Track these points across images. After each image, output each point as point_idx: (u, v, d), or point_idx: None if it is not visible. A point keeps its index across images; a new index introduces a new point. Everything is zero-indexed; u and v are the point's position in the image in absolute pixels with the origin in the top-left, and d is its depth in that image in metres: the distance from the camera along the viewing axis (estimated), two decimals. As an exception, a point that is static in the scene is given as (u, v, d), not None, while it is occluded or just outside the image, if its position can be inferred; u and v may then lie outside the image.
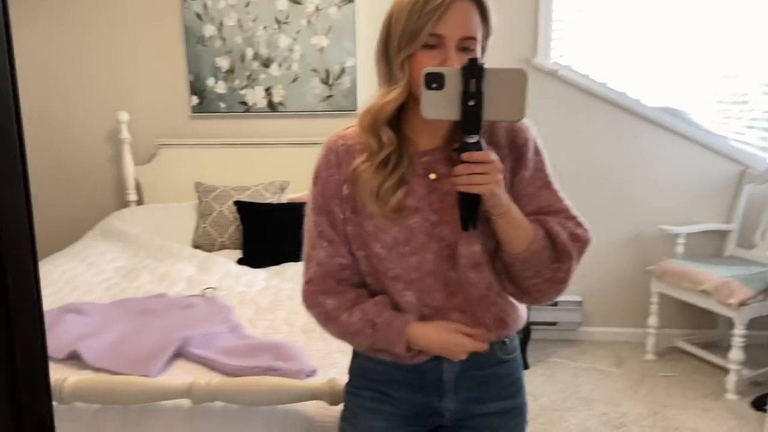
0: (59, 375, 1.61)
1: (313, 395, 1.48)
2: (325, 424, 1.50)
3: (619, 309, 3.44)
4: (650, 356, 3.24)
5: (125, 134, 3.40)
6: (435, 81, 0.98)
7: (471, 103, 0.98)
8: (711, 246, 3.34)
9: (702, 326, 3.39)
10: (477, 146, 1.00)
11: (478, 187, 1.00)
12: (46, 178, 3.59)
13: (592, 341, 3.47)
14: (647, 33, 3.24)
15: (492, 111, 0.99)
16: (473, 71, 0.97)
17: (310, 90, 3.42)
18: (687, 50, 3.23)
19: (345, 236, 1.17)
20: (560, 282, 1.12)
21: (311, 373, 1.67)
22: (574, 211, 1.15)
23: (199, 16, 3.38)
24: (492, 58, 1.10)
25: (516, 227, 1.08)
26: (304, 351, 1.77)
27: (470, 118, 0.99)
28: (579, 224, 1.14)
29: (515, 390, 1.23)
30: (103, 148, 3.56)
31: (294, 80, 3.42)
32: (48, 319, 1.99)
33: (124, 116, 3.37)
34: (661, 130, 3.27)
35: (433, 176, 1.12)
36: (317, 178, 1.18)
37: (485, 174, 1.00)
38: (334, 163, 1.17)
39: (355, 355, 1.27)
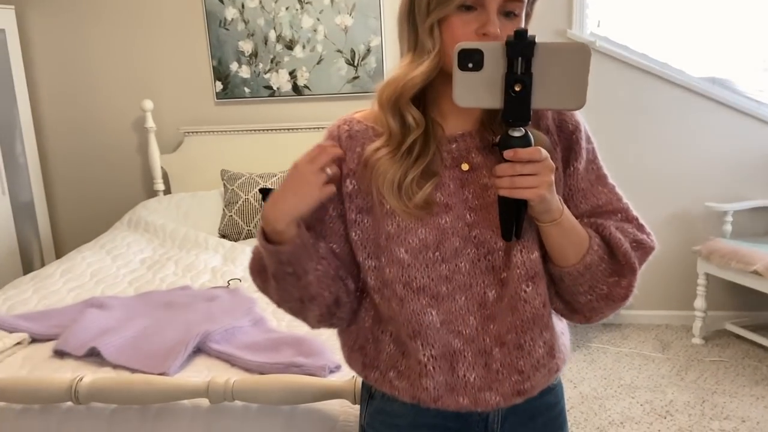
0: (77, 373, 1.58)
1: (337, 393, 1.41)
2: (349, 424, 1.43)
3: (663, 291, 3.28)
4: (697, 340, 3.08)
5: (150, 123, 3.36)
6: (471, 59, 0.79)
7: (517, 88, 0.78)
8: (761, 223, 3.15)
9: (752, 308, 3.21)
10: (523, 141, 0.81)
11: (524, 191, 0.82)
12: (74, 171, 3.60)
13: (636, 325, 3.32)
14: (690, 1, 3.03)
15: (543, 98, 0.79)
16: (521, 47, 0.77)
17: (335, 72, 3.33)
18: (732, 15, 3.02)
19: (335, 239, 0.98)
20: (619, 299, 0.94)
21: (335, 369, 1.60)
22: (634, 211, 0.97)
23: (220, 0, 3.30)
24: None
25: (568, 236, 0.90)
26: (328, 345, 1.69)
27: (516, 107, 0.79)
28: (641, 227, 0.96)
29: (562, 421, 1.05)
30: (129, 137, 3.55)
31: (318, 62, 3.33)
32: (69, 315, 1.97)
33: (148, 105, 3.34)
34: (706, 101, 3.08)
35: (465, 167, 0.94)
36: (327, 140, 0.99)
37: (534, 175, 0.81)
38: (338, 153, 0.98)
39: (370, 395, 1.06)
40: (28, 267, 3.35)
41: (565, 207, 0.89)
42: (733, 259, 2.81)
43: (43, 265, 3.35)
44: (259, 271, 0.98)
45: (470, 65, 0.79)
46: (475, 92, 0.81)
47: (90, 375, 1.50)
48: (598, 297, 0.94)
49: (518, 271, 0.91)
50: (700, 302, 3.05)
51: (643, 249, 0.94)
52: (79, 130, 3.56)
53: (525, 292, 0.91)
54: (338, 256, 0.98)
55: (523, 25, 0.89)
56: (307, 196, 0.88)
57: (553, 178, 0.83)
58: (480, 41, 0.84)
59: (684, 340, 3.13)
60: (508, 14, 0.86)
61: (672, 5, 3.06)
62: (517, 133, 0.82)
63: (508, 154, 0.81)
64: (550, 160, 0.83)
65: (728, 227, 3.05)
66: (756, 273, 2.70)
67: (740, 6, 3.00)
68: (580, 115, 0.98)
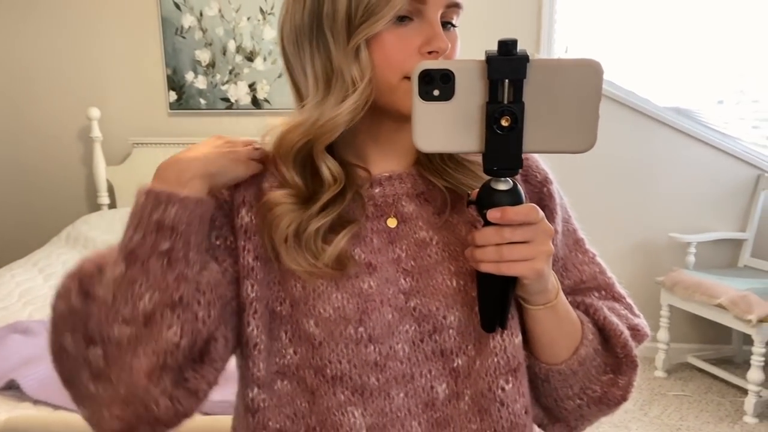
0: (-8, 409, 1.39)
1: None
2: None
3: (625, 322, 3.22)
4: (660, 373, 3.02)
5: (96, 132, 3.16)
6: (436, 85, 0.57)
7: (504, 122, 0.57)
8: (724, 256, 3.14)
9: (714, 341, 3.17)
10: (512, 197, 0.61)
11: (516, 266, 0.61)
12: (10, 179, 3.36)
13: (597, 356, 3.25)
14: (657, 27, 3.04)
15: (539, 136, 0.58)
16: (508, 65, 0.56)
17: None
18: (698, 46, 3.03)
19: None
20: (615, 403, 0.75)
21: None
22: (619, 287, 0.81)
23: (177, 6, 3.15)
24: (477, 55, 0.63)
25: (562, 323, 0.70)
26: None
27: (502, 151, 0.58)
28: (631, 308, 0.79)
29: None
30: (72, 147, 3.32)
31: (280, 75, 3.19)
32: (-12, 342, 1.76)
33: (95, 113, 3.14)
34: (671, 131, 3.06)
35: (392, 223, 0.72)
36: None
37: (528, 243, 0.61)
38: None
39: None
40: (-47, 283, 3.08)
41: (559, 285, 0.70)
42: (697, 291, 2.77)
43: (-30, 281, 3.08)
44: (85, 275, 0.63)
45: (436, 93, 0.57)
46: (444, 131, 0.59)
47: (4, 413, 1.31)
48: (589, 401, 0.74)
49: (495, 359, 0.67)
50: (663, 334, 3.00)
51: (638, 337, 0.77)
52: (17, 138, 3.32)
53: (502, 390, 0.67)
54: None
55: (458, 40, 0.70)
56: (232, 162, 0.67)
57: (551, 245, 0.63)
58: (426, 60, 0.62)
59: (647, 372, 3.06)
60: (445, 25, 0.67)
61: (639, 34, 3.06)
62: (503, 186, 0.61)
63: (493, 215, 0.60)
64: (547, 222, 0.63)
65: (691, 258, 3.02)
66: (720, 306, 2.66)
67: (706, 37, 3.01)
68: (544, 162, 0.79)
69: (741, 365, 3.01)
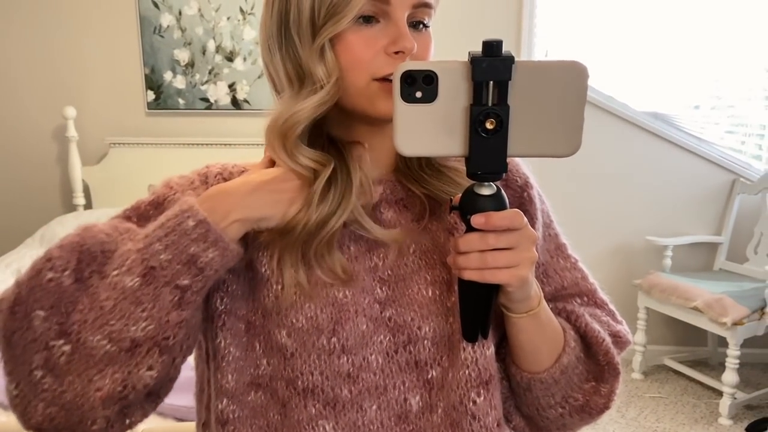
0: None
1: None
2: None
3: (603, 324, 3.25)
4: (637, 375, 3.05)
5: (72, 132, 3.10)
6: (419, 87, 0.56)
7: (489, 125, 0.55)
8: (699, 259, 3.18)
9: (690, 343, 3.22)
10: (496, 202, 0.59)
11: (500, 273, 0.59)
12: (-17, 178, 3.28)
13: (575, 358, 3.28)
14: (636, 32, 3.07)
15: (525, 140, 0.57)
16: (493, 66, 0.54)
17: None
18: (675, 51, 3.06)
19: None
20: (597, 411, 0.73)
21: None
22: (601, 293, 0.79)
23: (155, 4, 3.10)
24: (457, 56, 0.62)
25: (544, 331, 0.68)
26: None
27: (486, 155, 0.57)
28: (613, 314, 0.78)
29: None
30: (47, 146, 3.26)
31: (260, 76, 3.16)
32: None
33: (71, 112, 3.08)
34: (649, 135, 3.10)
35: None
36: (163, 187, 0.71)
37: (511, 250, 0.59)
38: (198, 185, 0.71)
39: None
40: None
41: (541, 292, 0.68)
42: (673, 294, 2.81)
43: (-60, 283, 3.00)
44: (86, 254, 0.59)
45: (418, 95, 0.56)
46: (427, 134, 0.57)
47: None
48: (572, 410, 0.72)
49: (466, 371, 0.65)
50: (640, 336, 3.03)
51: (620, 344, 0.75)
52: (-9, 136, 3.25)
53: (474, 403, 0.65)
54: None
55: (432, 42, 0.69)
56: (279, 210, 0.64)
57: (536, 252, 0.62)
58: (392, 69, 0.58)
59: (624, 374, 3.05)
60: (416, 25, 0.67)
61: (618, 38, 3.08)
62: (486, 191, 0.59)
63: (478, 220, 0.58)
64: (531, 228, 0.62)
65: (668, 261, 3.05)
66: (696, 309, 2.70)
67: (682, 43, 3.05)
68: (525, 166, 0.78)
69: (716, 367, 3.05)
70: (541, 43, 3.11)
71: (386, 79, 0.64)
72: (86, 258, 0.59)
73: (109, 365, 0.57)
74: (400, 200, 0.73)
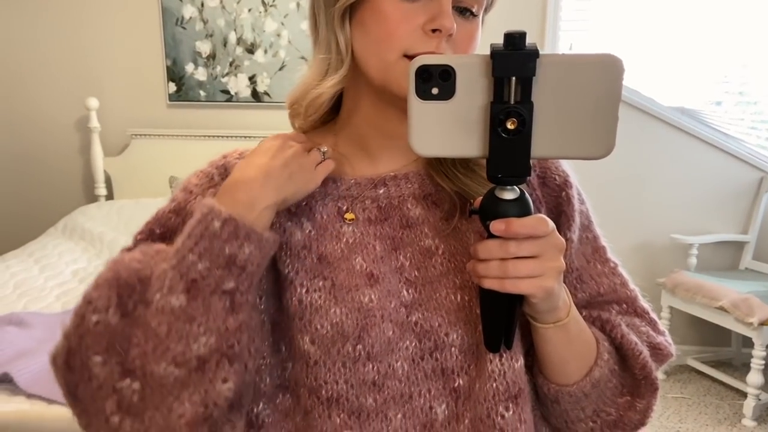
0: (-15, 403, 1.36)
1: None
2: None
3: (625, 323, 3.21)
4: (659, 374, 2.99)
5: (95, 123, 3.12)
6: (435, 82, 0.52)
7: (510, 125, 0.51)
8: (725, 258, 3.12)
9: (714, 344, 3.16)
10: (519, 207, 0.55)
11: (522, 283, 0.55)
12: (7, 169, 3.32)
13: (596, 357, 3.24)
14: (663, 26, 3.01)
15: (550, 141, 0.52)
16: (516, 61, 0.50)
17: (298, 79, 3.15)
18: (704, 46, 3.00)
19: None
20: (632, 426, 0.69)
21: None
22: (643, 300, 0.74)
23: (178, -4, 3.11)
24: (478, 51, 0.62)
25: (574, 343, 0.64)
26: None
27: (508, 157, 0.52)
28: (654, 324, 0.73)
29: None
30: (70, 137, 3.28)
31: (281, 68, 3.16)
32: (-19, 333, 1.73)
33: (93, 103, 3.10)
34: (675, 131, 3.04)
35: (349, 217, 0.68)
36: (182, 192, 0.70)
37: (535, 259, 0.55)
38: (218, 181, 0.69)
39: None
40: (-53, 273, 3.05)
41: (572, 302, 0.64)
42: (698, 293, 2.75)
43: (-36, 271, 3.04)
44: (124, 288, 0.57)
45: (434, 91, 0.52)
46: (444, 133, 0.53)
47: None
48: (603, 425, 0.69)
49: (493, 384, 0.62)
50: (662, 336, 2.97)
51: (660, 357, 0.71)
52: (14, 127, 3.28)
53: (502, 417, 0.62)
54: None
55: (480, 33, 0.65)
56: (303, 182, 0.62)
57: (563, 261, 0.57)
58: (430, 53, 0.57)
59: (645, 374, 3.05)
60: (463, 12, 0.63)
61: (644, 32, 3.03)
62: (509, 195, 0.55)
63: (497, 227, 0.54)
64: (558, 235, 0.57)
65: (693, 260, 3.00)
66: (721, 309, 2.64)
67: (707, 37, 2.99)
68: (565, 164, 0.74)
69: (740, 368, 3.00)
70: (565, 36, 3.06)
71: None
72: (125, 291, 0.57)
73: (183, 389, 0.54)
74: (428, 195, 0.69)
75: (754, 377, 2.58)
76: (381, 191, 0.69)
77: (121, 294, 0.57)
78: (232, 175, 0.61)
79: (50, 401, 1.42)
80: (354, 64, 0.65)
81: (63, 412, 1.28)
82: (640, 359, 0.67)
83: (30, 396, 1.45)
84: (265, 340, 0.65)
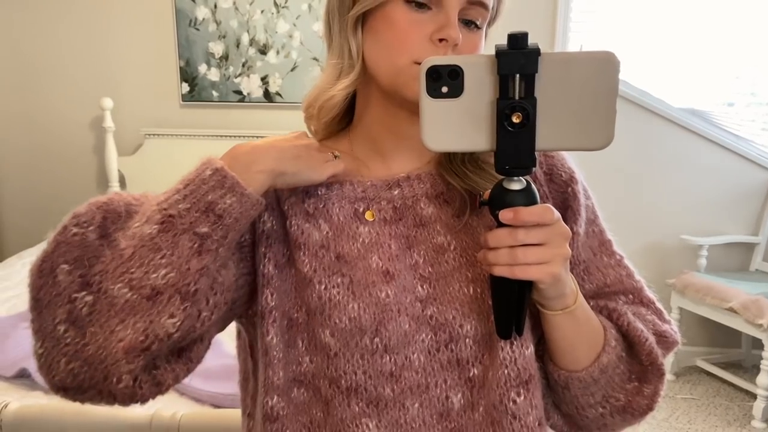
0: (4, 397, 1.39)
1: None
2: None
3: (634, 323, 3.20)
4: (669, 376, 3.00)
5: (109, 123, 3.16)
6: (444, 81, 0.56)
7: (515, 119, 0.55)
8: (736, 259, 3.12)
9: (723, 345, 3.15)
10: (526, 197, 0.59)
11: (530, 269, 0.59)
12: (23, 167, 3.36)
13: (605, 357, 3.24)
14: (673, 28, 3.01)
15: (553, 133, 0.56)
16: (519, 60, 0.54)
17: (310, 80, 3.18)
18: (713, 47, 3.00)
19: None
20: (641, 412, 0.72)
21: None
22: (648, 291, 0.77)
23: (191, -2, 3.14)
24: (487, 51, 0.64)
25: (582, 329, 0.67)
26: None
27: (514, 149, 0.56)
28: (660, 313, 0.75)
29: None
30: (84, 137, 3.32)
31: (293, 69, 3.18)
32: (0, 330, 1.77)
33: (108, 103, 3.14)
34: (685, 132, 3.04)
35: (369, 216, 0.71)
36: None
37: (543, 246, 0.58)
38: None
39: None
40: (-36, 270, 3.10)
41: (579, 290, 0.67)
42: (708, 294, 2.75)
43: (-19, 268, 3.09)
44: (111, 212, 0.59)
45: (444, 89, 0.56)
46: (453, 129, 0.57)
47: (16, 402, 1.32)
48: (612, 410, 0.71)
49: (505, 371, 0.65)
50: (672, 337, 2.98)
51: (666, 344, 0.73)
52: (30, 127, 3.33)
53: (513, 402, 0.65)
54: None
55: (484, 44, 0.70)
56: (307, 167, 0.65)
57: (569, 248, 0.61)
58: (440, 55, 0.61)
59: (654, 375, 3.05)
60: (468, 24, 0.67)
61: (654, 34, 3.03)
62: (516, 186, 0.59)
63: (505, 215, 0.58)
64: (564, 224, 0.61)
65: (703, 261, 3.00)
66: (731, 310, 2.64)
67: (718, 38, 2.98)
68: (571, 160, 0.78)
69: (750, 369, 3.00)
70: (575, 38, 3.07)
71: None
72: (112, 216, 0.59)
73: (130, 315, 0.56)
74: (440, 194, 0.72)
75: (764, 379, 2.58)
76: (395, 192, 0.72)
77: (106, 218, 0.59)
78: (246, 142, 0.65)
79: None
80: (365, 69, 0.70)
81: (81, 407, 1.31)
82: (646, 346, 0.70)
83: (48, 391, 1.48)
84: (283, 334, 0.68)
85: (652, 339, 0.71)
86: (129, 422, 1.26)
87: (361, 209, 0.71)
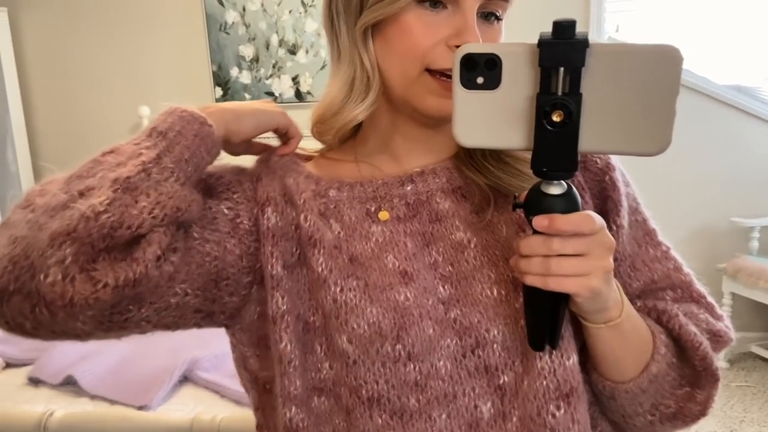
0: (51, 403, 1.43)
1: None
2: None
3: (684, 310, 3.10)
4: (722, 363, 2.90)
5: (147, 130, 3.22)
6: (481, 71, 0.50)
7: (556, 117, 0.49)
8: (790, 240, 2.98)
9: (780, 329, 3.03)
10: (565, 203, 0.53)
11: (565, 281, 0.53)
12: (68, 177, 3.47)
13: (654, 346, 3.15)
14: (715, 2, 2.88)
15: (600, 134, 0.50)
16: (564, 50, 0.48)
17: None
18: (758, 19, 2.86)
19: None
20: (693, 418, 0.67)
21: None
22: (698, 284, 0.71)
23: (220, 2, 3.17)
24: (520, 36, 0.55)
25: (628, 341, 0.62)
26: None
27: (553, 150, 0.51)
28: (712, 309, 0.70)
29: None
30: (124, 145, 3.41)
31: (322, 67, 3.18)
32: (48, 337, 1.82)
33: (145, 111, 3.20)
34: (732, 110, 2.91)
35: (383, 216, 0.67)
36: (211, 176, 0.68)
37: (581, 257, 0.53)
38: (248, 172, 0.70)
39: None
40: (17, 279, 3.21)
41: (626, 299, 0.61)
42: (762, 278, 2.64)
43: (33, 277, 3.20)
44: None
45: (480, 80, 0.50)
46: (488, 124, 0.52)
47: (61, 409, 1.35)
48: (662, 417, 0.67)
49: (543, 382, 0.60)
50: (725, 323, 2.87)
51: (720, 344, 0.68)
52: (73, 137, 3.43)
53: (553, 416, 0.59)
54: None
55: (503, 35, 0.64)
56: (269, 114, 0.67)
57: (611, 260, 0.55)
58: (450, 64, 0.55)
59: (707, 363, 2.95)
60: (487, 17, 0.62)
61: (696, 7, 2.91)
62: (555, 190, 0.53)
63: (539, 223, 0.52)
64: (608, 233, 0.55)
65: (755, 244, 2.88)
66: (787, 293, 2.53)
67: (763, 12, 2.84)
68: None
69: (809, 355, 2.87)
70: (611, 18, 2.97)
71: (442, 74, 0.61)
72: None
73: (60, 211, 0.53)
74: (457, 189, 0.68)
75: (825, 364, 2.46)
76: (408, 188, 0.68)
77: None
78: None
79: (113, 402, 1.49)
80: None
81: (125, 413, 1.34)
82: (700, 351, 0.65)
83: (93, 397, 1.52)
84: (299, 339, 0.64)
85: (706, 343, 0.65)
86: (169, 426, 1.28)
87: (373, 209, 0.67)
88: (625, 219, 0.69)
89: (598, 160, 0.69)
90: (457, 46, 0.58)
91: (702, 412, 0.67)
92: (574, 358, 0.61)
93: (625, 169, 0.73)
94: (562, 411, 0.60)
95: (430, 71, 0.61)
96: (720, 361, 2.88)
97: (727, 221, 2.96)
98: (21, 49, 3.33)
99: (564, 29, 0.48)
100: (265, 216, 0.65)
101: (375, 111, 0.67)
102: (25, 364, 1.71)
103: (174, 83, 3.31)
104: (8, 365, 1.74)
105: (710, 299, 0.71)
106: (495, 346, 0.62)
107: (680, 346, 0.66)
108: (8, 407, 1.48)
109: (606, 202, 0.68)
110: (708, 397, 0.67)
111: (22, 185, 3.28)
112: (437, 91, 0.61)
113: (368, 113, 0.66)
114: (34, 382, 1.61)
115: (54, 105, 3.40)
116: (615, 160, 0.71)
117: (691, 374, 0.66)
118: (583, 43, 0.47)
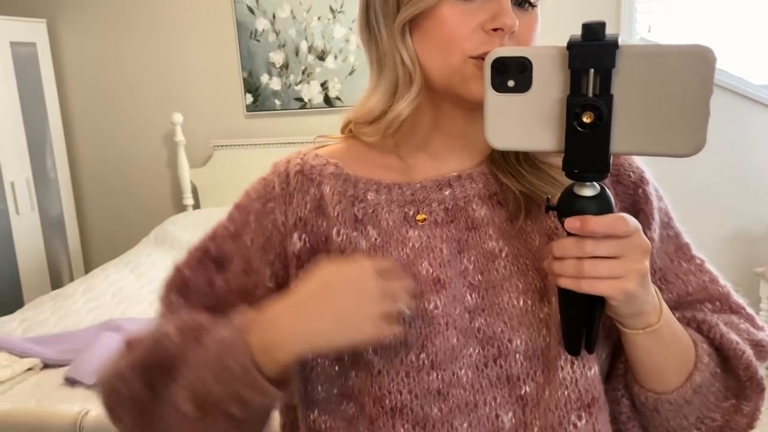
0: (87, 403, 1.47)
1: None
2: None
3: (720, 316, 3.03)
4: (763, 371, 2.82)
5: (180, 136, 3.29)
6: (511, 75, 0.52)
7: (587, 119, 0.50)
8: (831, 243, 2.89)
9: (823, 336, 2.93)
10: (598, 204, 0.53)
11: (599, 284, 0.53)
12: (102, 184, 3.56)
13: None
14: (748, 0, 2.82)
15: (631, 136, 0.51)
16: (594, 52, 0.49)
17: (367, 83, 3.19)
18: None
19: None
20: (740, 430, 0.66)
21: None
22: (736, 295, 0.70)
23: (251, 10, 3.22)
24: (552, 38, 0.55)
25: (669, 348, 0.60)
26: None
27: (585, 151, 0.51)
28: (752, 319, 0.68)
29: None
30: (158, 151, 3.48)
31: (351, 73, 3.21)
32: (84, 339, 1.87)
33: (178, 118, 3.27)
34: (767, 109, 2.84)
35: (421, 218, 0.67)
36: (239, 209, 0.71)
37: (616, 259, 0.53)
38: (278, 193, 0.69)
39: None
40: (56, 284, 3.29)
41: (665, 305, 0.60)
42: (802, 282, 2.57)
43: (71, 282, 3.30)
44: (153, 367, 0.64)
45: (510, 83, 0.51)
46: (520, 126, 0.52)
47: (96, 408, 1.39)
48: (708, 430, 0.65)
49: (565, 392, 0.60)
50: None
51: (763, 354, 0.66)
52: (110, 144, 3.52)
53: (574, 426, 0.59)
54: None
55: (539, 23, 0.64)
56: (356, 331, 0.58)
57: (647, 263, 0.54)
58: (498, 46, 0.56)
59: (745, 369, 2.87)
60: (521, 4, 0.62)
61: (728, 8, 2.85)
62: (587, 192, 0.53)
63: (571, 224, 0.53)
64: (643, 236, 0.54)
65: (794, 247, 2.80)
66: (829, 298, 2.45)
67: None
68: (639, 159, 0.71)
69: None
70: (643, 19, 2.93)
71: (483, 59, 0.60)
72: (154, 370, 0.64)
73: None
74: (493, 195, 0.67)
75: None
76: (447, 193, 0.67)
77: (149, 371, 0.64)
78: (287, 299, 0.61)
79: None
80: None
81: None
82: (744, 359, 0.63)
83: (127, 397, 1.55)
84: None
85: (749, 351, 0.64)
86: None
87: (411, 212, 0.67)
88: (656, 233, 0.68)
89: (631, 174, 0.69)
90: (495, 29, 0.59)
91: (750, 425, 0.66)
92: (595, 369, 0.61)
93: (661, 172, 0.72)
94: (584, 421, 0.60)
95: (473, 58, 0.61)
96: (761, 369, 2.79)
97: (765, 224, 2.89)
98: (59, 59, 3.44)
99: (593, 31, 0.48)
100: (291, 241, 0.66)
101: (417, 107, 0.67)
102: (61, 365, 1.76)
103: (206, 90, 3.37)
104: (46, 366, 1.79)
105: (750, 310, 0.70)
106: (517, 356, 0.62)
107: (723, 355, 0.65)
108: (46, 407, 1.52)
109: (638, 215, 0.67)
110: (755, 408, 0.65)
111: (60, 191, 3.38)
112: (481, 76, 0.60)
113: (412, 108, 0.65)
114: (71, 382, 1.65)
115: (91, 113, 3.49)
116: (649, 174, 0.70)
117: (736, 385, 0.65)
118: (613, 45, 0.48)
